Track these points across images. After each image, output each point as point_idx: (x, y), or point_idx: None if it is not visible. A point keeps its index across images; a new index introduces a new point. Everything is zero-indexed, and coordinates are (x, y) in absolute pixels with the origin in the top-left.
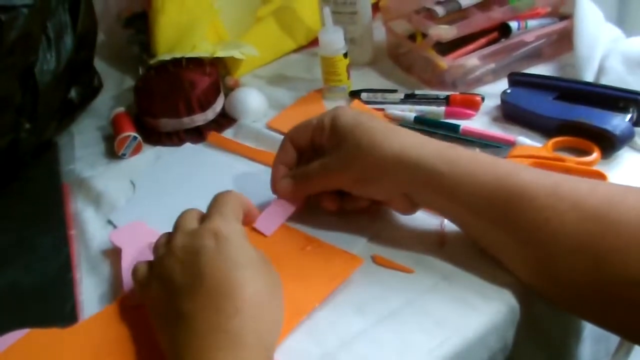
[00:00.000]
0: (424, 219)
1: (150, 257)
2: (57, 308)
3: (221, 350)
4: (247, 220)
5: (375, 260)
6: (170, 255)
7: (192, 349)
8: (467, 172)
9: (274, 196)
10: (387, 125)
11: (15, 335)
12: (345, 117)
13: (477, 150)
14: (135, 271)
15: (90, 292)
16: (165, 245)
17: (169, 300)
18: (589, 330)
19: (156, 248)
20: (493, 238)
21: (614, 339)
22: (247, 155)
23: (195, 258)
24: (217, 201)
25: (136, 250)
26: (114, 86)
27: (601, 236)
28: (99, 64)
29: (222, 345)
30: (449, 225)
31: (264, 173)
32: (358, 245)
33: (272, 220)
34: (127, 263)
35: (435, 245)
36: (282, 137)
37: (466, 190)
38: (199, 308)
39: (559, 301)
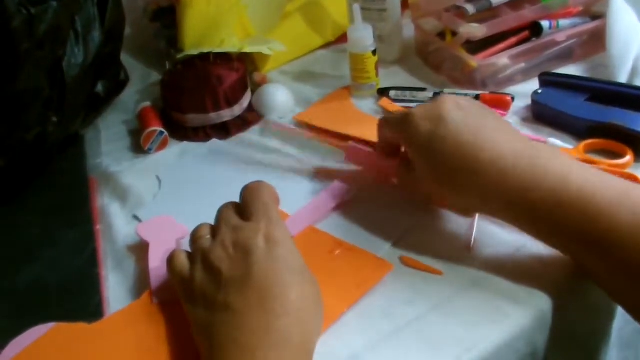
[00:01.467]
0: (452, 221)
1: None
2: (83, 304)
3: (270, 350)
4: None
5: (404, 261)
6: (219, 247)
7: (240, 345)
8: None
9: (304, 196)
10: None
11: (41, 330)
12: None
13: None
14: (173, 258)
15: (116, 288)
16: (211, 236)
17: (215, 289)
18: (618, 336)
19: (198, 238)
20: (572, 250)
21: None
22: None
23: (245, 256)
24: (258, 199)
25: (164, 244)
26: (140, 80)
27: None
28: (125, 58)
29: (270, 345)
30: (478, 228)
31: (292, 171)
32: (385, 246)
33: (300, 222)
34: (154, 257)
35: (463, 248)
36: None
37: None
38: (248, 304)
39: None
